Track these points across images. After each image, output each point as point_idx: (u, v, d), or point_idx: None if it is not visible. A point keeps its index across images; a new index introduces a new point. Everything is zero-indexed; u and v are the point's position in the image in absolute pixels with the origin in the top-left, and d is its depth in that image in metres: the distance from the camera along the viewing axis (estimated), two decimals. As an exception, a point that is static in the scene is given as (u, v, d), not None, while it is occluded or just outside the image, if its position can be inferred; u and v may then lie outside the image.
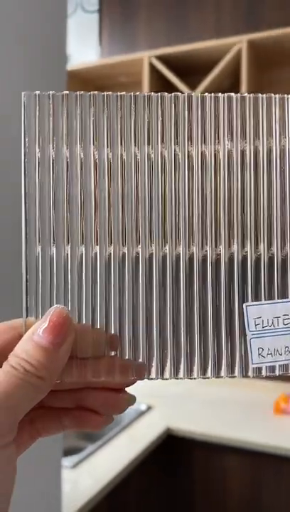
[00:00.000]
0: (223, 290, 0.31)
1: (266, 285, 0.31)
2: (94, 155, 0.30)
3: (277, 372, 0.30)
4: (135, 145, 0.30)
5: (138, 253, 0.31)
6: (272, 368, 0.30)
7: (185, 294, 0.31)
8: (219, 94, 0.32)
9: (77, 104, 0.29)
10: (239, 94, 0.32)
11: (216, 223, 0.31)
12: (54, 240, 0.30)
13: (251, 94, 0.32)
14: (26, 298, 0.30)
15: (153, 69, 1.70)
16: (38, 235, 0.30)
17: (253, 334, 0.30)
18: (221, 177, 0.31)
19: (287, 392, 1.49)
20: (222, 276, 0.31)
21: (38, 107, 0.29)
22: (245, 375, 0.30)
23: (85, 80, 1.89)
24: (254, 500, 1.35)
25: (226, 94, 0.32)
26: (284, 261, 0.31)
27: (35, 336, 0.27)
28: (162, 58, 1.68)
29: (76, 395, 0.31)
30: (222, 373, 0.30)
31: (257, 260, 0.31)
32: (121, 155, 0.30)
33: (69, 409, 0.32)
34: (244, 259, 0.31)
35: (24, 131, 0.29)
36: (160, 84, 1.74)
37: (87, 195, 0.30)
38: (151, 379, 0.30)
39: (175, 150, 0.30)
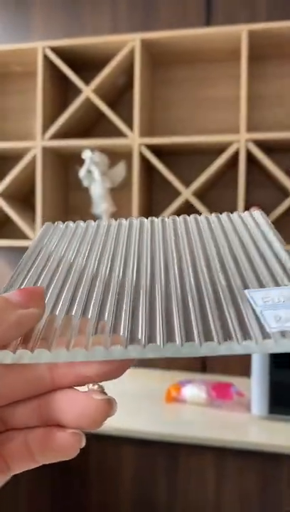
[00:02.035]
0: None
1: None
2: None
3: None
4: None
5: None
6: None
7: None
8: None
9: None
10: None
11: None
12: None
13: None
14: None
15: (47, 60, 1.67)
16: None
17: (263, 308, 0.26)
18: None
19: (178, 381, 1.56)
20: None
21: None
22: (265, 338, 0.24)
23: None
24: (149, 488, 1.39)
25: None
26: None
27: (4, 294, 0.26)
28: (57, 50, 1.65)
29: (40, 403, 0.25)
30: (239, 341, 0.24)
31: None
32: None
33: (34, 428, 0.25)
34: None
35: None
36: (55, 76, 1.71)
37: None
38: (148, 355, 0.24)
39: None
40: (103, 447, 1.41)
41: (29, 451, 0.25)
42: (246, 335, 0.24)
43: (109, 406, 0.25)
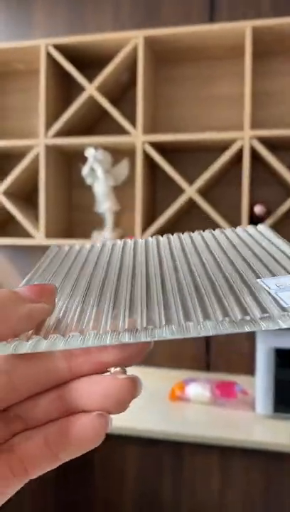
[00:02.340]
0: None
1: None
2: None
3: None
4: None
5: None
6: None
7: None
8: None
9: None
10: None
11: None
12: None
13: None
14: None
15: (50, 58, 1.66)
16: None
17: (278, 290, 0.26)
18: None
19: (182, 379, 1.55)
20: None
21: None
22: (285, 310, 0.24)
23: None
24: (154, 487, 1.39)
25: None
26: None
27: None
28: (59, 48, 1.65)
29: (60, 394, 0.24)
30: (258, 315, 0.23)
31: None
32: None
33: (54, 421, 0.24)
34: None
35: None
36: (58, 73, 1.71)
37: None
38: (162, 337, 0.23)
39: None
40: (107, 446, 1.40)
41: (49, 447, 0.23)
42: (263, 311, 0.24)
43: (133, 385, 0.23)
